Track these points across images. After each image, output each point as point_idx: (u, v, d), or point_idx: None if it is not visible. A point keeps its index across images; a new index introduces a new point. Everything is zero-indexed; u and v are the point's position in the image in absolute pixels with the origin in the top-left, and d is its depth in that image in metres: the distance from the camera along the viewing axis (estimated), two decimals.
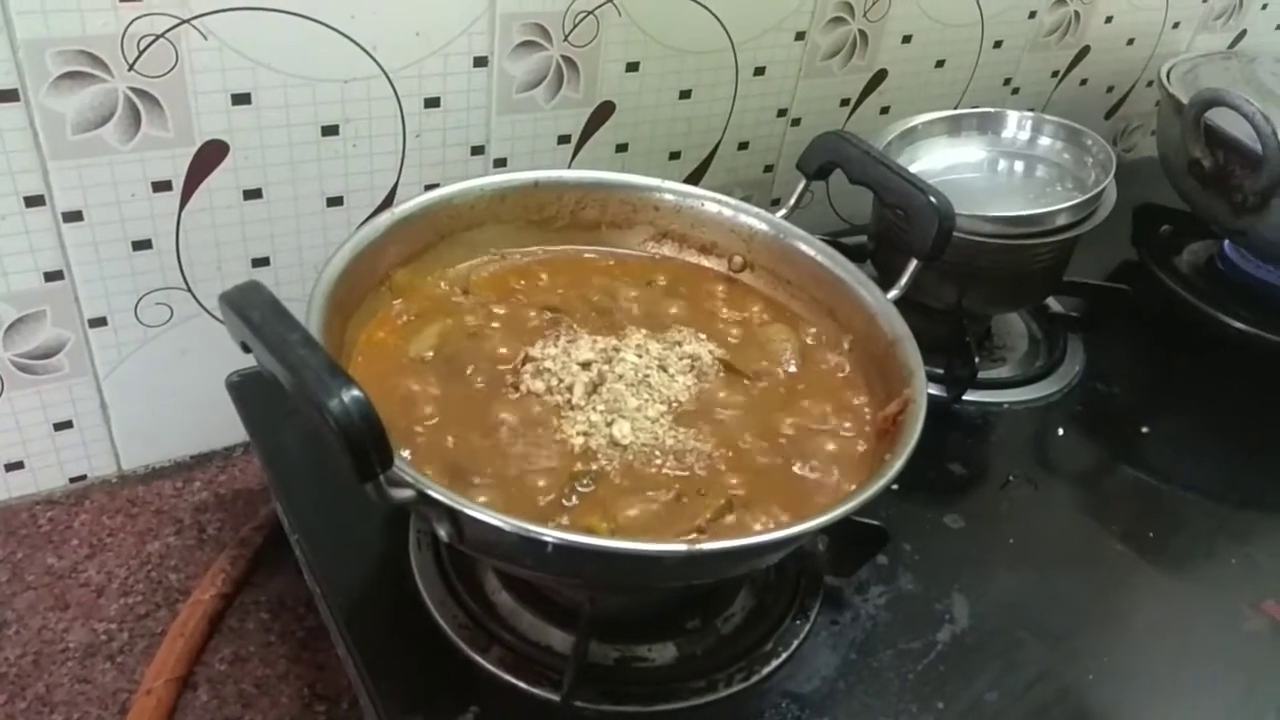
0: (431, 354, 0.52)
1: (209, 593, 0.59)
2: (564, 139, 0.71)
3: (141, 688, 0.54)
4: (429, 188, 0.66)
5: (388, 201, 0.66)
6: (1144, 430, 0.73)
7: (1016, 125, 0.79)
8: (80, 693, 0.55)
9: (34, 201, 0.55)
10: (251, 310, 0.38)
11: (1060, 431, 0.72)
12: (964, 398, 0.70)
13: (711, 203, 0.61)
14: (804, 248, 0.59)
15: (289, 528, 0.58)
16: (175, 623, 0.57)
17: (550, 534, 0.39)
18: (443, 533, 0.41)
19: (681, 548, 0.40)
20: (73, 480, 0.66)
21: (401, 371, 0.51)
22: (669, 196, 0.61)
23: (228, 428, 0.66)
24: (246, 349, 0.39)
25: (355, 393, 0.35)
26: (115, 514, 0.65)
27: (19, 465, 0.64)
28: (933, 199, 0.54)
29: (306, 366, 0.36)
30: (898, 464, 0.44)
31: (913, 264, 0.56)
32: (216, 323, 0.64)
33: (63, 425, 0.64)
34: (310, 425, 0.36)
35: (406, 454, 0.46)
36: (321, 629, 0.58)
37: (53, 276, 0.58)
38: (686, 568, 0.43)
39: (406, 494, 0.38)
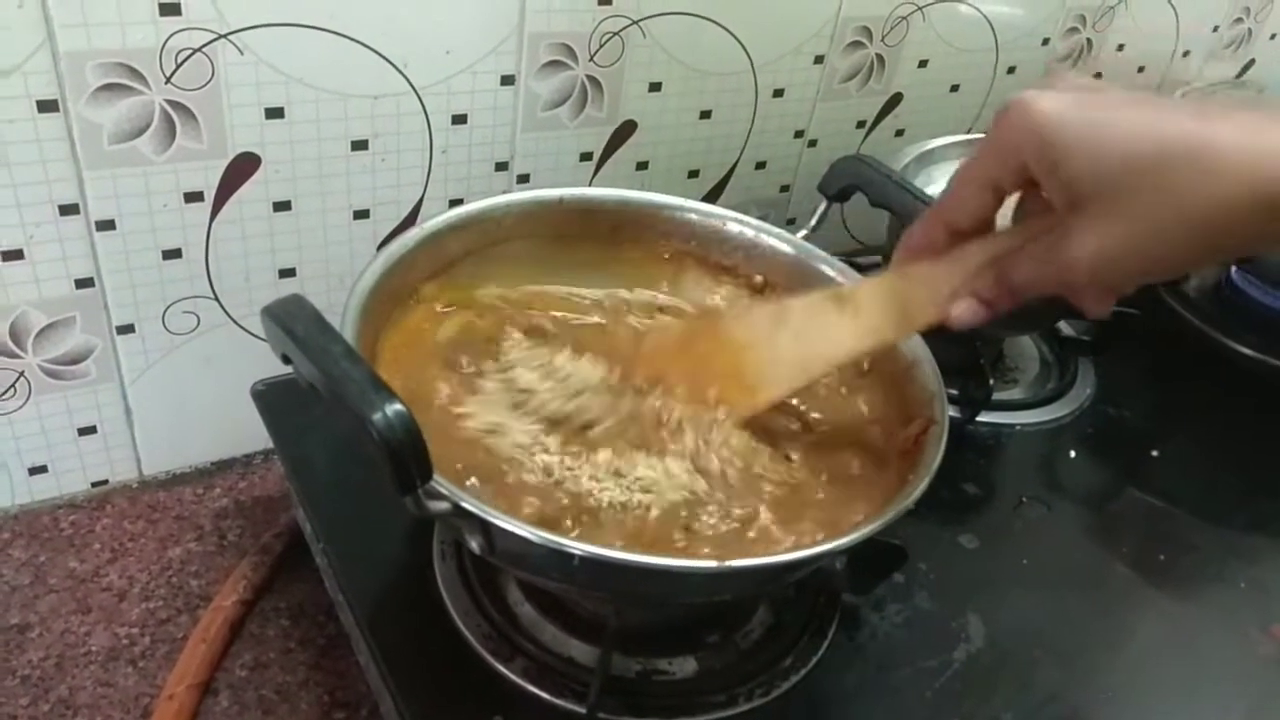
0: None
1: (230, 599, 0.60)
2: (586, 156, 0.72)
3: (164, 692, 0.54)
4: (454, 203, 0.68)
5: (413, 215, 0.67)
6: (1154, 453, 0.74)
7: None
8: (102, 696, 0.55)
9: (68, 210, 0.56)
10: (294, 323, 0.39)
11: (1072, 454, 0.73)
12: (976, 419, 0.71)
13: (733, 223, 0.62)
14: (825, 269, 0.60)
15: (312, 536, 0.58)
16: (197, 628, 0.58)
17: (578, 547, 0.40)
18: (474, 545, 0.42)
19: (709, 564, 0.40)
20: (95, 485, 0.67)
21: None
22: (692, 216, 0.62)
23: (248, 435, 0.67)
24: (287, 360, 0.40)
25: (398, 406, 0.35)
26: (136, 519, 0.65)
27: (42, 469, 0.64)
28: None
29: (350, 379, 0.36)
30: (922, 484, 0.44)
31: None
32: (241, 332, 0.65)
33: (87, 430, 0.64)
34: (341, 436, 0.37)
35: None
36: (341, 636, 0.59)
37: (83, 284, 0.59)
38: (713, 584, 0.44)
39: (443, 506, 0.39)
